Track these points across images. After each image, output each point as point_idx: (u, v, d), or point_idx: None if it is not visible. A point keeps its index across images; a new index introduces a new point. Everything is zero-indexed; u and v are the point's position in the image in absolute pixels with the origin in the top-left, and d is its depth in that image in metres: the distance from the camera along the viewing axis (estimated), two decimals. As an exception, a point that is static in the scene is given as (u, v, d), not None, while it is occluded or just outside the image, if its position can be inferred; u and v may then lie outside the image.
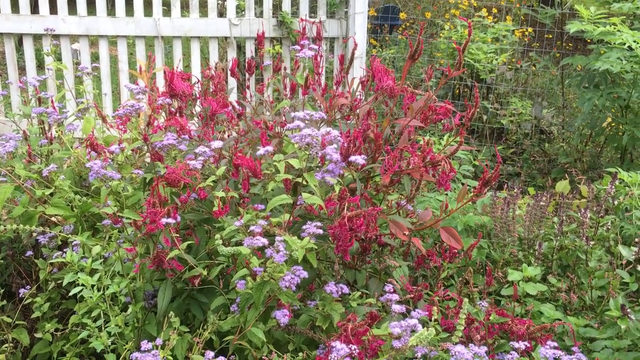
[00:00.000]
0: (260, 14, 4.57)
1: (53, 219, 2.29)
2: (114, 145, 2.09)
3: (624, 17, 4.03)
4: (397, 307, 1.72)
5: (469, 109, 1.98)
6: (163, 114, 2.33)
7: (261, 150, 1.81)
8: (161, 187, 1.87)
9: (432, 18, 6.32)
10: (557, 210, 2.76)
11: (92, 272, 1.94)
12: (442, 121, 2.17)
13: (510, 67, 5.22)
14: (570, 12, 4.96)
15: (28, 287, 2.21)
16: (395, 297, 1.79)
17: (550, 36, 6.20)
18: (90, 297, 1.87)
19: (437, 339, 1.71)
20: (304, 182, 1.78)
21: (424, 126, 2.06)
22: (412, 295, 1.94)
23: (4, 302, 2.23)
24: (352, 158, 1.79)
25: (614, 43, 3.59)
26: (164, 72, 2.27)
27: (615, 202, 2.56)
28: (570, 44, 6.51)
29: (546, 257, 2.44)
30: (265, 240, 1.64)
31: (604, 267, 2.26)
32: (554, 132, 4.94)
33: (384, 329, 1.64)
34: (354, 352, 1.48)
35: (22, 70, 5.51)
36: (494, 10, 6.31)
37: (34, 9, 4.12)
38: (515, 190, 2.84)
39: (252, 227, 1.70)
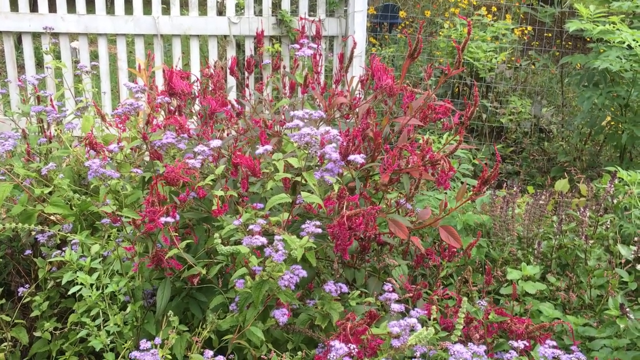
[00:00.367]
0: (259, 13, 4.57)
1: (52, 217, 2.28)
2: (113, 144, 2.09)
3: (624, 15, 4.03)
4: (396, 306, 1.72)
5: (468, 107, 1.98)
6: (162, 112, 2.32)
7: (260, 149, 1.81)
8: (160, 186, 1.87)
9: (431, 17, 6.32)
10: (557, 209, 2.76)
11: (91, 271, 1.94)
12: (442, 120, 2.17)
13: (509, 65, 5.22)
14: (569, 11, 4.96)
15: (27, 285, 2.21)
16: (395, 296, 1.79)
17: (550, 35, 6.20)
18: (89, 296, 1.87)
19: (436, 338, 1.71)
20: (303, 181, 1.78)
21: (424, 125, 2.06)
22: (411, 294, 1.94)
23: (3, 300, 2.23)
24: (351, 157, 1.79)
25: (614, 42, 3.59)
26: (163, 71, 2.27)
27: (615, 201, 2.56)
28: (569, 43, 6.51)
29: (545, 256, 2.44)
30: (264, 239, 1.64)
31: (603, 266, 2.26)
32: (554, 130, 4.94)
33: (383, 328, 1.64)
34: (352, 351, 1.48)
35: (21, 68, 5.51)
36: (494, 9, 6.31)
37: (33, 7, 4.11)
38: (514, 189, 2.84)
39: (251, 226, 1.69)
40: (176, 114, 2.24)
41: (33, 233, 2.21)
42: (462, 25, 5.28)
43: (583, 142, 4.47)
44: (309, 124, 1.80)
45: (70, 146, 2.51)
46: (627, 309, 1.86)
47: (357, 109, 2.18)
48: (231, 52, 4.40)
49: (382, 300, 1.82)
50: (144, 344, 1.61)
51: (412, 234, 1.95)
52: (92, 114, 2.80)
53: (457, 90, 5.18)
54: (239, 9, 4.86)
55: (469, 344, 1.62)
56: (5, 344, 2.15)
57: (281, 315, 1.68)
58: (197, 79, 2.47)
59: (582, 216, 2.37)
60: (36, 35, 4.29)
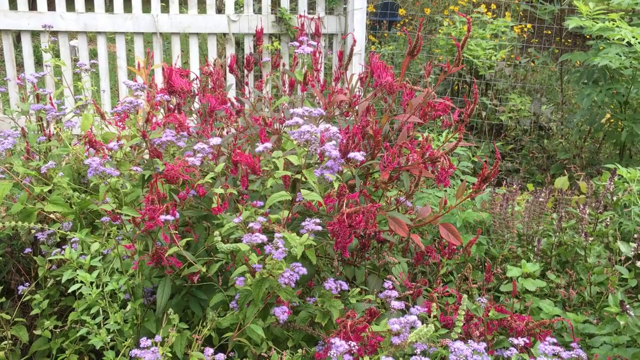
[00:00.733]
0: (258, 10, 4.56)
1: (52, 215, 2.28)
2: (112, 142, 2.09)
3: (623, 13, 4.02)
4: (396, 304, 1.72)
5: (468, 105, 1.98)
6: (162, 110, 2.32)
7: (260, 147, 1.81)
8: (160, 184, 1.87)
9: (431, 14, 6.31)
10: (556, 207, 2.76)
11: (91, 269, 1.94)
12: (441, 117, 2.17)
13: (509, 63, 5.22)
14: (569, 8, 4.96)
15: (27, 284, 2.21)
16: (395, 293, 1.79)
17: (549, 32, 6.20)
18: (89, 294, 1.87)
19: (436, 336, 1.71)
20: (303, 179, 1.78)
21: (423, 122, 2.05)
22: (411, 292, 1.94)
23: (3, 299, 2.22)
24: (351, 154, 1.79)
25: (613, 39, 3.59)
26: (163, 69, 2.27)
27: (614, 198, 2.56)
28: (569, 40, 6.51)
29: (545, 253, 2.44)
30: (264, 237, 1.64)
31: (603, 263, 2.26)
32: (553, 128, 4.94)
33: (383, 325, 1.64)
34: (353, 348, 1.48)
35: (20, 67, 5.50)
36: (493, 7, 6.30)
37: (32, 5, 4.11)
38: (514, 187, 2.84)
39: (251, 224, 1.69)
40: (176, 111, 2.24)
41: (33, 231, 2.21)
42: (461, 23, 5.28)
43: (582, 140, 4.47)
44: (309, 122, 1.80)
45: (70, 144, 2.51)
46: (627, 306, 1.86)
47: (356, 107, 2.18)
48: (230, 50, 4.40)
49: (382, 297, 1.82)
50: (145, 341, 1.61)
51: (412, 231, 1.95)
52: (91, 112, 2.79)
53: (456, 87, 5.18)
54: (238, 6, 4.86)
55: (469, 341, 1.62)
56: (5, 342, 2.15)
57: (281, 313, 1.68)
58: (197, 77, 2.46)
59: (581, 213, 2.37)
60: (35, 34, 4.28)
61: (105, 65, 4.26)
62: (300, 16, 2.86)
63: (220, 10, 4.63)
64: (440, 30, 5.50)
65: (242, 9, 4.53)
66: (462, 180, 2.93)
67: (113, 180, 1.95)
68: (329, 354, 1.47)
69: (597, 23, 3.60)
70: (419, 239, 1.96)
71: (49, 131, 2.68)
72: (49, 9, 4.10)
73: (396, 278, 1.97)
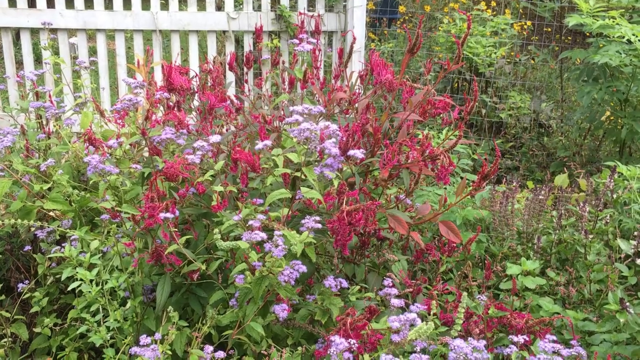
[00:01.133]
0: (258, 8, 4.55)
1: (51, 213, 2.28)
2: (112, 140, 2.09)
3: (623, 10, 4.02)
4: (396, 301, 1.72)
5: (468, 102, 1.97)
6: (161, 108, 2.32)
7: (260, 144, 1.81)
8: (159, 182, 1.87)
9: (431, 12, 6.30)
10: (556, 204, 2.76)
11: (90, 267, 1.94)
12: (441, 115, 2.17)
13: (509, 60, 5.21)
14: (569, 5, 4.95)
15: (26, 281, 2.21)
16: (394, 291, 1.79)
17: (549, 29, 6.19)
18: (89, 291, 1.87)
19: (435, 333, 1.71)
20: (303, 177, 1.78)
21: (423, 120, 2.05)
22: (411, 289, 1.94)
23: (3, 297, 2.23)
24: (351, 152, 1.79)
25: (613, 36, 3.59)
26: (162, 67, 2.26)
27: (614, 196, 2.56)
28: (569, 38, 6.50)
29: (545, 251, 2.44)
30: (264, 235, 1.64)
31: (603, 260, 2.26)
32: (553, 125, 4.94)
33: (383, 323, 1.64)
34: (353, 346, 1.48)
35: (19, 64, 5.49)
36: (493, 4, 6.29)
37: (32, 2, 4.10)
38: (514, 184, 2.84)
39: (250, 222, 1.69)
40: (175, 109, 2.24)
41: (32, 229, 2.21)
42: (461, 20, 5.27)
43: (582, 137, 4.47)
44: (309, 119, 1.80)
45: (69, 142, 2.51)
46: (627, 304, 1.86)
47: (356, 104, 2.18)
48: (230, 48, 4.39)
49: (381, 295, 1.82)
50: (144, 339, 1.61)
51: (412, 229, 1.95)
52: (91, 109, 2.79)
53: (456, 85, 5.17)
54: (238, 4, 4.85)
55: (469, 338, 1.62)
56: (5, 339, 2.15)
57: (281, 311, 1.68)
58: (196, 75, 2.46)
59: (581, 211, 2.37)
60: (34, 31, 4.27)
61: (105, 63, 4.26)
62: (300, 13, 2.86)
63: (219, 7, 4.62)
64: (440, 28, 5.49)
65: (241, 6, 4.52)
66: (461, 178, 2.93)
67: (113, 177, 1.95)
68: (328, 352, 1.47)
69: (597, 20, 3.60)
70: (419, 236, 1.96)
71: (49, 129, 2.67)
72: (48, 7, 4.09)
73: (396, 276, 1.97)
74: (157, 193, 1.81)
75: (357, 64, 4.26)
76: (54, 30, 4.06)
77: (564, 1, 4.89)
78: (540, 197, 2.60)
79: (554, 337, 1.67)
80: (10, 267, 2.41)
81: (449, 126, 2.50)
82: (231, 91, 4.05)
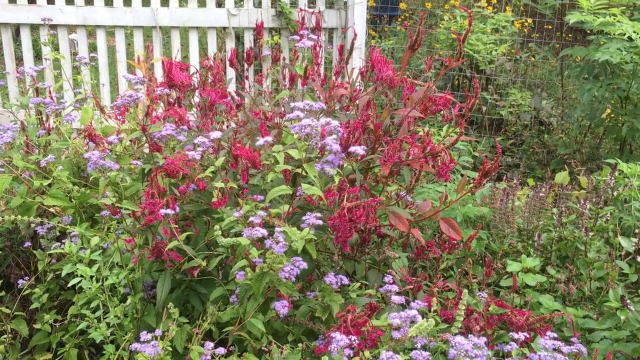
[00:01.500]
0: (258, 4, 4.54)
1: (51, 209, 2.28)
2: (112, 136, 2.08)
3: (624, 7, 4.01)
4: (396, 298, 1.72)
5: (468, 99, 1.97)
6: (161, 104, 2.31)
7: (260, 141, 1.81)
8: (160, 178, 1.87)
9: (431, 9, 6.29)
10: (557, 202, 2.76)
11: (90, 263, 1.94)
12: (442, 112, 2.16)
13: (509, 58, 5.21)
14: (570, 3, 4.94)
15: (27, 278, 2.21)
16: (395, 288, 1.79)
17: (550, 27, 6.18)
18: (89, 288, 1.87)
19: (436, 330, 1.71)
20: (304, 173, 1.77)
21: (424, 117, 2.05)
22: (411, 286, 1.94)
23: (3, 293, 2.22)
24: (352, 149, 1.78)
25: (614, 34, 3.58)
26: (163, 63, 2.26)
27: (615, 193, 2.56)
28: (569, 35, 6.49)
29: (545, 248, 2.44)
30: (264, 231, 1.63)
31: (603, 258, 2.26)
32: (553, 123, 4.93)
33: (384, 319, 1.64)
34: (353, 342, 1.48)
35: (19, 60, 5.48)
36: (494, 1, 6.28)
37: (31, -2, 4.09)
38: (514, 182, 2.84)
39: (251, 218, 1.69)
40: (176, 105, 2.23)
41: (32, 225, 2.20)
42: (462, 18, 5.26)
43: (583, 135, 4.47)
44: (309, 116, 1.79)
45: (70, 138, 2.50)
46: (628, 301, 1.86)
47: (357, 101, 2.17)
48: (230, 44, 4.39)
49: (382, 292, 1.82)
50: (145, 335, 1.61)
51: (412, 226, 1.94)
52: (91, 106, 2.79)
53: (456, 82, 5.17)
54: (238, 0, 4.84)
55: (470, 335, 1.62)
56: (5, 336, 2.15)
57: (282, 307, 1.68)
58: (197, 71, 2.46)
59: (582, 208, 2.37)
60: (34, 28, 4.26)
61: (105, 59, 4.25)
62: (301, 10, 2.85)
63: (220, 4, 4.61)
64: (440, 25, 5.49)
65: (242, 2, 4.51)
66: (462, 175, 2.93)
67: (113, 174, 1.94)
68: (329, 348, 1.46)
69: (598, 18, 3.59)
70: (420, 233, 1.96)
71: (49, 125, 2.67)
72: (48, 3, 4.08)
73: (396, 273, 1.97)
74: (158, 189, 1.81)
75: (357, 61, 4.25)
76: (53, 27, 4.05)
77: (564, -2, 4.89)
78: (541, 194, 2.60)
79: (555, 334, 1.67)
80: (10, 263, 2.41)
81: (450, 123, 2.50)
82: (231, 87, 4.05)
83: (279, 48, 4.46)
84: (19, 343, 2.22)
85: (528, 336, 1.70)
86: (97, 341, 1.85)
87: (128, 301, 1.92)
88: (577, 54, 3.92)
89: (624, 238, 2.24)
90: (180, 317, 1.80)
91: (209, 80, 2.39)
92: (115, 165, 1.95)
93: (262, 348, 1.73)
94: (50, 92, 2.72)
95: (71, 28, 4.22)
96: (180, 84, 2.20)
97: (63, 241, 2.03)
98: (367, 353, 1.51)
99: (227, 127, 2.28)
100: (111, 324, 1.88)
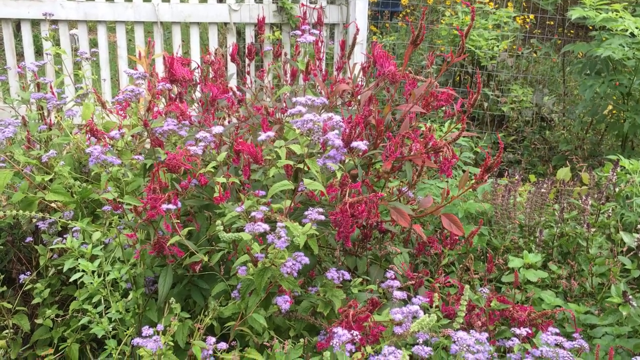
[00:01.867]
0: (260, 0, 4.54)
1: (53, 205, 2.28)
2: (114, 131, 2.08)
3: (627, 3, 4.00)
4: (398, 294, 1.72)
5: (471, 95, 1.96)
6: (163, 99, 2.31)
7: (263, 136, 1.80)
8: (161, 173, 1.86)
9: (433, 4, 6.28)
10: (558, 198, 2.76)
11: (92, 258, 1.94)
12: (443, 108, 2.16)
13: (511, 54, 5.19)
14: (572, -1, 4.93)
15: (28, 273, 2.21)
16: (397, 283, 1.79)
17: (552, 23, 6.17)
18: (91, 283, 1.87)
19: (438, 326, 1.71)
20: (305, 168, 1.77)
21: (426, 112, 2.05)
22: (413, 282, 1.94)
23: (4, 288, 2.22)
24: (355, 144, 1.78)
25: (616, 30, 3.57)
26: (164, 58, 2.25)
27: (616, 190, 2.56)
28: (571, 31, 6.48)
29: (547, 244, 2.44)
30: (266, 226, 1.63)
31: (605, 254, 2.26)
32: (555, 119, 4.93)
33: (385, 315, 1.64)
34: (355, 338, 1.48)
35: (20, 56, 5.47)
36: (495, -3, 6.27)
37: (32, -7, 4.08)
38: (516, 178, 2.84)
39: (253, 213, 1.69)
40: (177, 100, 2.23)
41: (34, 220, 2.20)
42: (463, 13, 5.25)
43: (584, 131, 4.46)
44: (311, 111, 1.79)
45: (71, 133, 2.50)
46: (630, 297, 1.86)
47: (359, 96, 2.17)
48: (231, 40, 4.38)
49: (384, 287, 1.82)
50: (147, 330, 1.61)
51: (414, 222, 1.94)
52: (92, 101, 2.78)
53: (458, 78, 5.16)
54: (239, -4, 4.82)
55: (471, 331, 1.62)
56: (7, 331, 2.15)
57: (283, 302, 1.67)
58: (198, 66, 2.45)
59: (584, 204, 2.36)
60: (35, 23, 4.25)
61: (106, 55, 4.24)
62: (302, 5, 2.85)
63: (221, -1, 4.60)
64: (442, 21, 5.47)
65: (243, -2, 4.49)
66: (463, 171, 2.93)
67: (114, 169, 1.94)
68: (331, 344, 1.46)
69: (601, 13, 3.58)
70: (421, 229, 1.96)
71: (50, 120, 2.67)
72: (49, -2, 4.06)
73: (398, 268, 1.96)
74: (159, 184, 1.81)
75: (359, 56, 4.24)
76: (54, 22, 4.04)
77: (566, -6, 4.87)
78: (543, 190, 2.59)
79: (557, 330, 1.67)
80: (12, 258, 2.41)
81: (452, 119, 2.49)
82: (233, 83, 4.04)
83: (280, 44, 4.45)
84: (21, 338, 2.22)
85: (530, 332, 1.70)
86: (99, 336, 1.85)
87: (130, 296, 1.92)
88: (579, 50, 3.91)
89: (626, 234, 2.23)
90: (182, 312, 1.80)
91: (211, 76, 2.38)
92: (117, 160, 1.94)
93: (264, 343, 1.73)
94: (51, 88, 2.72)
95: (72, 23, 4.21)
96: (182, 79, 2.19)
97: (65, 236, 2.03)
98: (368, 348, 1.51)
99: (229, 122, 2.28)
100: (113, 319, 1.88)
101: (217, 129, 1.92)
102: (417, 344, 1.54)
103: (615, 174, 2.56)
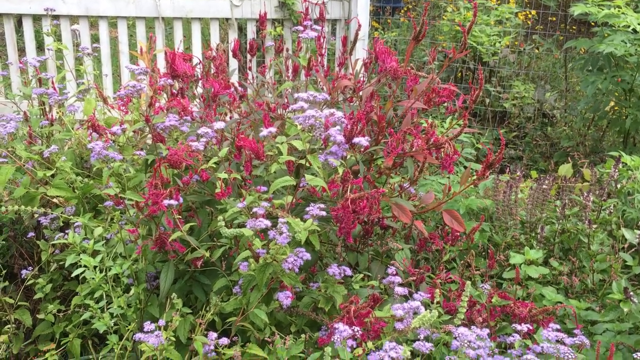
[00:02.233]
0: (261, -5, 4.52)
1: (54, 200, 2.28)
2: (115, 127, 2.08)
3: (629, -1, 3.99)
4: (399, 290, 1.72)
5: (473, 91, 1.96)
6: (164, 95, 2.31)
7: (264, 132, 1.80)
8: (163, 169, 1.86)
9: (435, 0, 6.26)
10: (560, 194, 2.76)
11: (94, 254, 1.94)
12: (445, 104, 2.16)
13: (513, 50, 5.18)
14: (574, -5, 4.92)
15: (30, 268, 2.22)
16: (398, 279, 1.79)
17: (554, 19, 6.15)
18: (93, 278, 1.87)
19: (439, 321, 1.72)
20: (307, 164, 1.77)
21: (428, 108, 2.04)
22: (414, 278, 1.94)
23: (6, 283, 2.23)
24: (356, 140, 1.78)
25: (618, 26, 3.56)
26: (165, 53, 2.25)
27: (618, 186, 2.55)
28: (574, 27, 6.46)
29: (548, 241, 2.44)
30: (268, 222, 1.63)
31: (606, 250, 2.26)
32: (557, 115, 4.92)
33: (386, 311, 1.65)
34: (356, 333, 1.48)
35: (21, 51, 5.47)
36: (497, -7, 6.25)
37: (34, -11, 4.07)
38: (517, 174, 2.83)
39: (254, 209, 1.69)
40: (179, 96, 2.23)
41: (36, 215, 2.21)
42: (465, 9, 5.24)
43: (586, 127, 4.46)
44: (313, 107, 1.79)
45: (72, 129, 2.50)
46: (631, 293, 1.86)
47: (360, 92, 2.17)
48: (233, 35, 4.37)
49: (385, 283, 1.82)
50: (148, 326, 1.61)
51: (415, 218, 1.94)
52: (93, 96, 2.78)
53: (460, 74, 5.15)
54: (241, -9, 4.81)
55: (472, 327, 1.62)
56: (9, 326, 2.16)
57: (285, 298, 1.68)
58: (200, 62, 2.45)
59: (585, 201, 2.36)
60: (36, 18, 4.25)
61: (107, 50, 4.24)
62: (304, 0, 2.84)
63: (222, -5, 4.59)
64: (444, 17, 5.46)
65: (244, -7, 4.48)
66: (465, 167, 2.93)
67: (116, 164, 1.94)
68: (332, 339, 1.47)
69: (603, 10, 3.57)
70: (422, 225, 1.96)
71: (52, 115, 2.67)
72: (50, -7, 4.05)
73: (399, 264, 1.97)
74: (161, 180, 1.81)
75: (361, 52, 4.24)
76: (56, 17, 4.03)
77: (569, -10, 4.86)
78: (544, 186, 2.59)
79: (558, 326, 1.67)
80: (14, 253, 2.41)
81: (453, 115, 2.49)
82: (234, 78, 4.04)
83: (281, 39, 4.45)
84: (23, 333, 2.23)
85: (531, 328, 1.70)
86: (101, 331, 1.85)
87: (131, 291, 1.93)
88: (581, 46, 3.90)
89: (628, 230, 2.23)
90: (184, 307, 1.80)
91: (212, 72, 2.38)
92: (119, 155, 1.94)
93: (265, 339, 1.74)
94: (53, 83, 2.72)
95: (73, 19, 4.21)
96: (184, 75, 2.19)
97: (66, 231, 2.03)
98: (370, 344, 1.51)
99: (231, 118, 2.28)
100: (114, 314, 1.89)
101: (219, 125, 1.92)
102: (418, 339, 1.55)
103: (617, 170, 2.56)
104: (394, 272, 1.83)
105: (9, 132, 2.34)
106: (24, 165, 2.31)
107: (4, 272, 2.21)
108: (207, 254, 1.82)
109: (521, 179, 2.77)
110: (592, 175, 2.69)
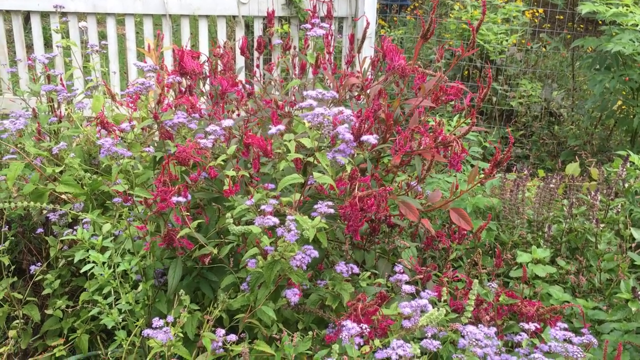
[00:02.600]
0: (268, -7, 4.52)
1: (63, 196, 2.29)
2: (124, 123, 2.09)
3: (637, -2, 3.97)
4: (406, 288, 1.72)
5: (481, 89, 1.96)
6: (172, 92, 2.32)
7: (273, 129, 1.80)
8: (171, 166, 1.87)
9: (441, -2, 6.25)
10: (567, 193, 2.75)
11: (102, 250, 1.95)
12: (452, 102, 2.16)
13: (520, 48, 5.17)
14: (582, -7, 4.90)
15: (38, 264, 2.23)
16: (405, 277, 1.80)
17: (562, 17, 6.13)
18: (101, 274, 1.88)
19: (446, 320, 1.72)
20: (315, 162, 1.77)
21: (435, 106, 2.04)
22: (421, 276, 1.95)
23: (15, 279, 2.24)
24: (364, 137, 1.78)
25: (627, 24, 3.55)
26: (173, 51, 2.26)
27: (626, 185, 2.55)
28: (581, 26, 6.44)
29: (555, 240, 2.44)
30: (276, 220, 1.64)
31: (614, 250, 2.25)
32: (564, 114, 4.91)
33: (394, 309, 1.65)
34: (364, 331, 1.49)
35: (29, 48, 5.49)
36: (505, -9, 6.23)
37: (42, -14, 4.08)
38: (524, 173, 2.83)
39: (262, 207, 1.69)
40: (187, 93, 2.23)
41: (44, 212, 2.22)
42: (472, 7, 5.23)
43: (593, 126, 4.44)
44: (321, 104, 1.79)
45: (81, 126, 2.51)
46: (639, 292, 1.86)
47: (368, 90, 2.17)
48: (240, 33, 4.37)
49: (392, 281, 1.83)
50: (157, 322, 1.62)
51: (422, 216, 1.95)
52: (102, 93, 2.79)
53: (466, 73, 5.14)
54: (248, -11, 4.81)
55: (479, 325, 1.62)
56: (18, 321, 2.17)
57: (292, 295, 1.68)
58: (207, 59, 2.45)
59: (592, 200, 2.36)
60: (44, 15, 4.26)
61: (115, 47, 4.25)
62: (312, -2, 2.84)
63: (229, -8, 4.59)
64: (451, 15, 5.45)
65: (251, -9, 4.48)
66: (472, 166, 2.93)
67: (125, 161, 1.95)
68: (340, 337, 1.47)
69: (611, 8, 3.56)
70: (429, 223, 1.96)
71: (60, 112, 2.68)
72: (58, -10, 4.07)
73: (406, 262, 1.97)
74: (169, 177, 1.82)
75: (368, 50, 4.23)
76: (64, 14, 4.05)
77: (577, -12, 4.84)
78: (551, 185, 2.59)
79: (565, 325, 1.67)
80: (23, 249, 2.43)
81: (461, 113, 2.49)
82: (241, 76, 4.04)
83: (289, 37, 4.45)
84: (31, 328, 2.24)
85: (538, 327, 1.70)
86: (109, 327, 1.86)
87: (139, 288, 1.94)
88: (589, 44, 3.89)
89: (636, 230, 2.23)
90: (191, 304, 1.81)
91: (220, 69, 2.39)
92: (128, 152, 1.95)
93: (273, 335, 1.74)
94: (61, 80, 2.73)
95: (81, 16, 4.22)
96: (192, 72, 2.20)
97: (75, 228, 2.04)
98: (377, 342, 1.52)
99: (238, 115, 2.28)
100: (122, 310, 1.89)
101: (227, 122, 1.92)
102: (426, 337, 1.55)
103: (624, 169, 2.55)
104: (401, 270, 1.83)
105: (18, 128, 2.36)
106: (32, 162, 2.32)
107: (12, 267, 2.22)
108: (215, 251, 1.83)
109: (528, 178, 2.77)
110: (599, 174, 2.69)
